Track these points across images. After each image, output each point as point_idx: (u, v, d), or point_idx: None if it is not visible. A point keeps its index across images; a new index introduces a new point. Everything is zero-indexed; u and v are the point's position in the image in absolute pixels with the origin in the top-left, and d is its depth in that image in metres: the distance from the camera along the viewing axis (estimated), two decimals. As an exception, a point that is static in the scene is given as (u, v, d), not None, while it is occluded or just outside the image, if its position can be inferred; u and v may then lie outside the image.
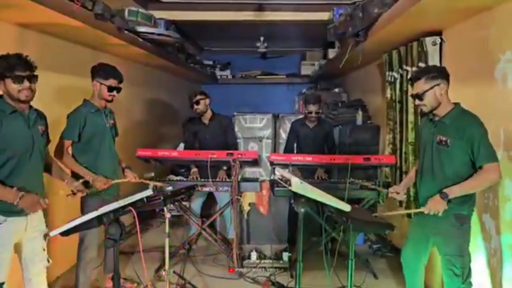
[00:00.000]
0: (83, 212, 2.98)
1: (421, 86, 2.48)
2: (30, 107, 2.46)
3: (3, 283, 2.31)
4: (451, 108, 2.48)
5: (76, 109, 3.03)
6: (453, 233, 2.47)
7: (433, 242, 2.64)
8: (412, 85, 2.58)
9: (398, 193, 2.86)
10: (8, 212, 2.30)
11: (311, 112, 4.22)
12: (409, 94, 3.30)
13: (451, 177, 2.44)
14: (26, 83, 2.30)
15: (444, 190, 2.39)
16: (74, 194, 2.73)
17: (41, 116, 2.56)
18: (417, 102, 2.55)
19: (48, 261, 2.55)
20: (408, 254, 2.80)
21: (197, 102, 4.16)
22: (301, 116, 4.62)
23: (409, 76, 3.52)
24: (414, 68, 3.51)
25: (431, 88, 2.45)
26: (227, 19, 5.34)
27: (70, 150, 3.01)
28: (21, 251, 2.45)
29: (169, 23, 4.79)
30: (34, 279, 2.52)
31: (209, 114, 4.31)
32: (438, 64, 3.26)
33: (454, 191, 2.38)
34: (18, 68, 2.27)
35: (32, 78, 2.34)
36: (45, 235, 2.49)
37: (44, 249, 2.53)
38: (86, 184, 2.92)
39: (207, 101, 4.24)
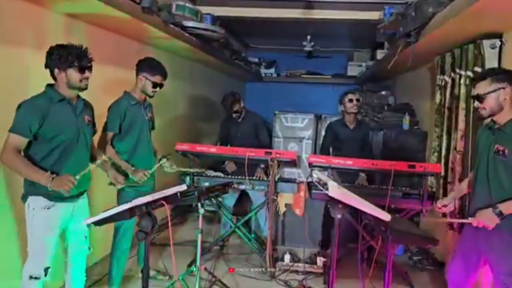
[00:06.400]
0: (118, 203, 3.01)
1: (485, 87, 2.29)
2: (78, 96, 2.51)
3: (48, 268, 2.36)
4: None
5: (116, 101, 3.07)
6: (507, 250, 2.26)
7: (485, 259, 2.42)
8: (474, 85, 2.39)
9: (445, 206, 2.68)
10: (56, 197, 2.34)
11: (351, 100, 4.05)
12: (468, 95, 3.08)
13: (508, 189, 2.24)
14: (88, 73, 2.39)
15: (498, 205, 2.21)
16: (114, 185, 2.77)
17: (87, 105, 2.61)
18: (477, 104, 2.35)
19: (89, 249, 2.62)
20: (455, 270, 2.58)
21: (236, 108, 4.25)
22: (338, 118, 4.48)
23: (466, 79, 3.30)
24: (468, 72, 3.29)
25: (495, 90, 2.25)
26: (274, 17, 5.27)
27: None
28: (65, 236, 2.53)
29: (215, 19, 4.79)
30: (74, 265, 2.59)
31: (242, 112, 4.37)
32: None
33: (509, 207, 2.19)
34: (83, 59, 2.36)
35: (91, 69, 2.43)
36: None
37: (85, 237, 2.59)
38: (126, 177, 2.96)
39: (242, 102, 4.32)
